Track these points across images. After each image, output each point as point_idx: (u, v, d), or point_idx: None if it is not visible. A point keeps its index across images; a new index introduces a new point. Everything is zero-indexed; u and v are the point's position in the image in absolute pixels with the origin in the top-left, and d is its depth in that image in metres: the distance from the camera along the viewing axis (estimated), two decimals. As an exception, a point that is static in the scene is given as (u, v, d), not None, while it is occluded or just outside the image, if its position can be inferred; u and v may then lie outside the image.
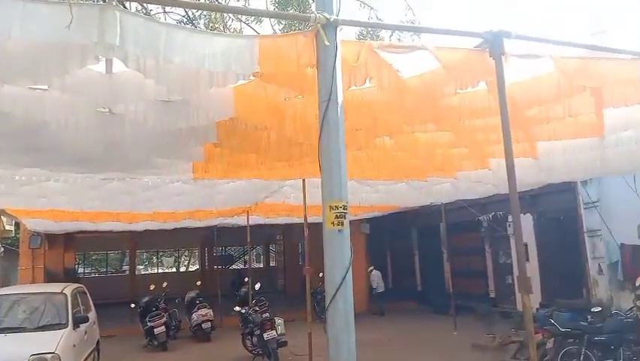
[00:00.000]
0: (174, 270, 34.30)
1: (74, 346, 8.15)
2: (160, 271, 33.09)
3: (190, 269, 35.04)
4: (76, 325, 8.46)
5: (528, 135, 5.43)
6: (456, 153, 6.23)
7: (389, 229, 20.27)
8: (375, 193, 9.32)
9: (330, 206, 3.24)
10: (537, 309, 9.15)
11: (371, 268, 17.32)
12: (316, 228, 17.64)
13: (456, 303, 13.83)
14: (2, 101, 3.80)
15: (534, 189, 9.80)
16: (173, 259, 36.60)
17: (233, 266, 31.37)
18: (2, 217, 14.51)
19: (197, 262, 34.57)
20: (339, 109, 3.36)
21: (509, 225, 13.21)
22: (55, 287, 9.80)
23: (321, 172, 3.32)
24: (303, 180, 7.87)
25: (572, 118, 4.92)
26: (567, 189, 11.21)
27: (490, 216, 13.76)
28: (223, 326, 14.65)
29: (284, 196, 10.67)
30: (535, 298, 11.48)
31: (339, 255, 3.20)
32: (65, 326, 8.21)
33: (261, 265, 32.86)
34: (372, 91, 4.11)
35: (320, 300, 16.21)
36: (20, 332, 8.06)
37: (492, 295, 15.19)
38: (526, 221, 12.40)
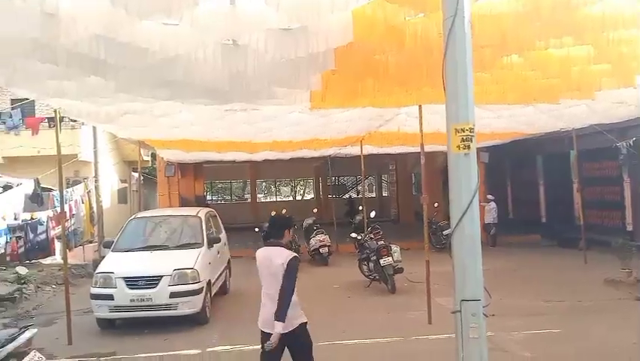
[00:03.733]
0: (290, 198, 35.98)
1: (209, 263, 9.02)
2: (278, 199, 34.88)
3: (305, 198, 36.54)
4: (210, 245, 9.31)
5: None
6: (595, 70, 5.60)
7: (510, 158, 19.20)
8: (497, 119, 8.78)
9: (456, 129, 3.11)
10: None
11: (490, 197, 16.70)
12: (431, 157, 17.49)
13: (586, 236, 13.02)
14: (141, 37, 4.08)
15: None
16: (289, 188, 38.34)
17: (346, 196, 32.14)
18: (141, 149, 15.98)
19: (311, 191, 35.92)
20: (465, 24, 3.14)
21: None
22: (190, 211, 10.79)
23: (446, 93, 3.18)
24: (420, 106, 7.64)
25: None
26: None
27: (631, 142, 12.42)
28: (338, 251, 15.26)
29: (398, 124, 10.51)
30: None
31: (466, 179, 3.09)
32: (201, 245, 9.07)
33: (374, 195, 33.22)
34: (502, 2, 3.77)
35: (435, 230, 16.14)
36: (163, 249, 9.07)
37: (629, 228, 13.91)
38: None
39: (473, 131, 3.11)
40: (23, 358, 4.12)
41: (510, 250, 15.25)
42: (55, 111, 7.70)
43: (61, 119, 8.41)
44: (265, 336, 4.30)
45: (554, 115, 8.60)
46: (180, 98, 5.80)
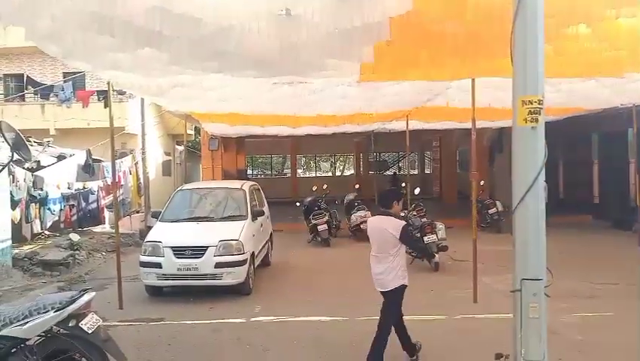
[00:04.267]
0: (330, 174, 35.96)
1: (253, 235, 9.13)
2: (317, 174, 34.94)
3: (345, 174, 36.48)
4: (254, 217, 9.41)
5: None
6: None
7: (563, 135, 18.47)
8: (555, 93, 8.38)
9: (523, 101, 2.95)
10: None
11: None
12: (479, 133, 17.08)
13: (642, 218, 12.46)
14: (196, 8, 4.06)
15: None
16: (329, 164, 38.30)
17: (389, 172, 31.90)
18: (186, 123, 16.24)
19: (351, 167, 35.80)
20: (537, -11, 2.96)
21: None
22: (235, 184, 10.92)
23: (514, 63, 3.02)
24: (473, 79, 7.40)
25: None
26: None
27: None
28: (380, 228, 15.17)
29: (447, 99, 10.24)
30: None
31: (532, 154, 2.95)
32: (245, 217, 9.18)
33: (416, 172, 32.84)
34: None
35: (480, 208, 15.83)
36: (209, 221, 9.23)
37: (687, 209, 13.23)
38: None
39: (542, 104, 2.95)
40: (82, 319, 4.28)
41: (558, 230, 14.73)
42: (108, 84, 7.87)
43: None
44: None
45: (617, 90, 8.16)
46: (230, 70, 5.78)
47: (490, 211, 14.96)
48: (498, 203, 15.22)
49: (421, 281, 9.35)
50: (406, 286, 5.19)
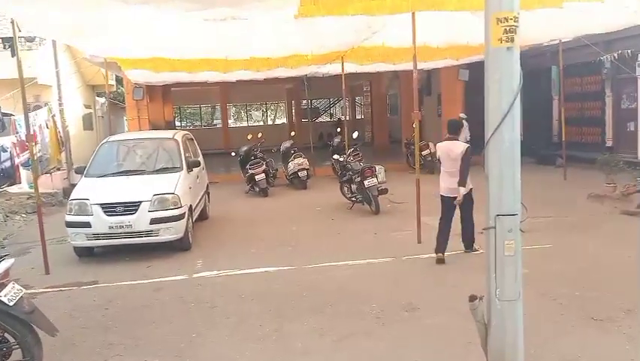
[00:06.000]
0: (262, 123, 35.14)
1: (190, 188, 8.61)
2: (250, 124, 34.06)
3: (276, 123, 35.80)
4: (189, 168, 8.85)
5: None
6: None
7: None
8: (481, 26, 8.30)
9: (498, 18, 2.64)
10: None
11: (462, 115, 16.32)
12: (408, 75, 17.02)
13: (566, 153, 12.98)
14: None
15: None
16: (260, 113, 37.38)
17: (320, 119, 31.59)
18: (107, 71, 14.97)
19: (283, 115, 35.14)
20: None
21: (639, 65, 11.64)
22: (166, 133, 10.19)
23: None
24: (413, 13, 7.08)
25: None
26: None
27: (616, 54, 12.14)
28: (315, 175, 15.01)
29: (384, 38, 9.92)
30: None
31: (507, 77, 2.67)
32: (180, 169, 8.61)
33: (347, 118, 32.71)
34: None
35: (413, 150, 15.93)
36: (140, 174, 8.57)
37: (608, 143, 13.92)
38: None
39: (517, 21, 2.66)
40: (1, 290, 3.73)
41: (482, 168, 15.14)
42: (12, 24, 6.85)
43: (18, 39, 7.53)
44: (446, 198, 6.79)
45: (553, 23, 8.11)
46: (155, 0, 5.09)
47: (424, 153, 15.08)
48: (430, 145, 15.37)
49: (363, 225, 9.33)
50: (472, 188, 6.61)
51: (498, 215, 2.79)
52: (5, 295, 3.72)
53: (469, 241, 7.03)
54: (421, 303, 5.41)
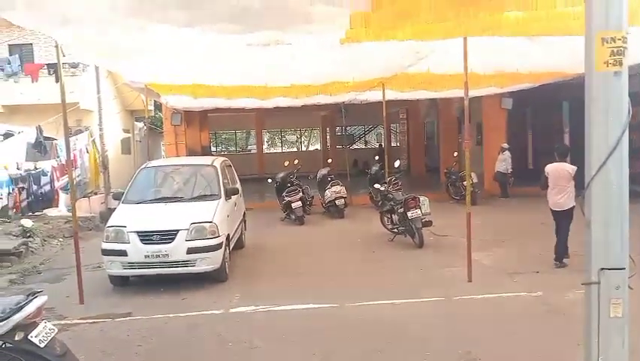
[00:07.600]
0: (295, 150, 35.11)
1: (227, 216, 8.34)
2: (284, 150, 34.04)
3: (310, 149, 35.70)
4: (227, 196, 8.60)
5: None
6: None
7: (534, 104, 18.11)
8: (538, 53, 7.89)
9: (604, 38, 2.25)
10: None
11: (505, 145, 15.74)
12: (448, 103, 16.58)
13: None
14: None
15: None
16: (294, 138, 37.38)
17: (355, 146, 31.30)
18: (145, 97, 15.09)
19: (317, 141, 35.02)
20: None
21: None
22: (204, 160, 10.00)
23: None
24: (465, 38, 6.74)
25: None
26: None
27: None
28: (352, 204, 14.59)
29: (429, 65, 9.58)
30: None
31: (615, 106, 2.26)
32: (218, 197, 8.36)
33: (383, 145, 32.35)
34: None
35: (454, 180, 15.42)
36: (178, 201, 8.36)
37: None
38: None
39: (626, 42, 2.27)
40: (32, 330, 3.47)
41: (524, 200, 14.39)
42: (56, 47, 6.83)
43: (62, 65, 7.53)
44: (554, 212, 7.78)
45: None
46: (200, 23, 4.89)
47: (465, 183, 14.51)
48: (473, 174, 14.80)
49: (406, 259, 8.85)
50: (575, 206, 7.44)
51: (602, 268, 2.35)
52: (36, 336, 3.45)
53: (559, 254, 7.74)
54: (481, 353, 4.89)
